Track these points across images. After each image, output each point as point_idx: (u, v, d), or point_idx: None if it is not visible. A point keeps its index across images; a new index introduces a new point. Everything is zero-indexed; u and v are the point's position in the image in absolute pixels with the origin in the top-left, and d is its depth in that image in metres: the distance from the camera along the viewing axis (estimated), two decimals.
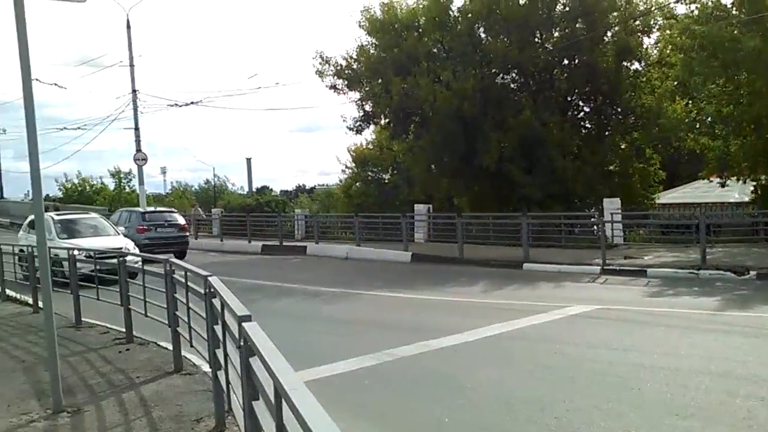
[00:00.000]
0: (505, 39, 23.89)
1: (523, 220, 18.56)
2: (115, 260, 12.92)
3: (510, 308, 11.65)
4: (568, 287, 14.32)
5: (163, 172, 73.22)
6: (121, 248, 16.70)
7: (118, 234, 19.69)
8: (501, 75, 25.25)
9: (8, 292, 14.93)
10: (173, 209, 28.87)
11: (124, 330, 9.82)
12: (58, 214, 20.26)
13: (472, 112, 23.01)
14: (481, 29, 24.92)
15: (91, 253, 13.23)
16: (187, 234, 26.03)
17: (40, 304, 12.26)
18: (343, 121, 28.65)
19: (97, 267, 12.12)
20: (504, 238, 20.11)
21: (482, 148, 23.29)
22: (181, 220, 25.79)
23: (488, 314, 11.14)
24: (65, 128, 50.31)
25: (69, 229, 18.86)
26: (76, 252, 12.70)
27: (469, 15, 24.55)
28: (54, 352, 6.56)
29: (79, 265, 11.85)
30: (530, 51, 23.59)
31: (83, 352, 9.17)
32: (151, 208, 28.43)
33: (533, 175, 23.04)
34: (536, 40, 24.40)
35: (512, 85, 25.81)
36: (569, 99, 25.46)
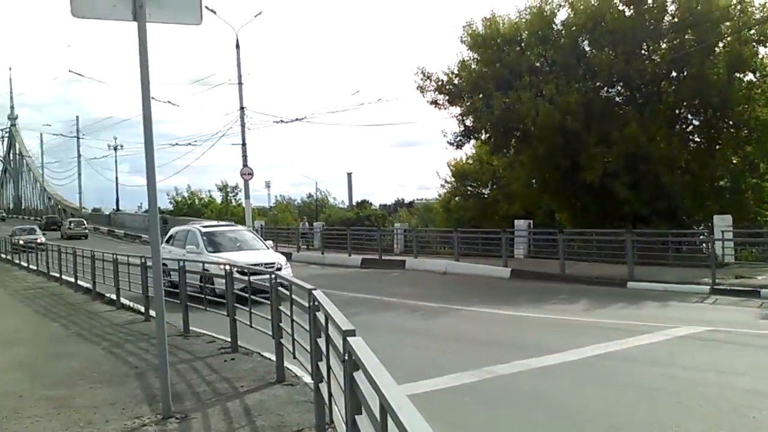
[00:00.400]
0: (611, 51, 23.39)
1: (627, 236, 18.02)
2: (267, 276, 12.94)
3: (613, 327, 11.34)
4: (675, 307, 13.81)
5: (268, 186, 75.53)
6: (273, 263, 15.97)
7: (268, 248, 18.42)
8: (606, 88, 24.73)
9: (122, 300, 15.64)
10: (233, 224, 29.68)
11: (229, 340, 10.12)
12: (204, 227, 18.89)
13: (576, 126, 22.61)
14: (586, 42, 24.49)
15: (245, 270, 12.37)
16: None
17: (152, 312, 12.85)
18: (444, 136, 28.71)
19: (251, 284, 12.31)
20: (607, 255, 19.57)
21: (585, 163, 22.83)
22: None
23: (590, 333, 10.89)
24: (177, 144, 52.79)
25: (216, 243, 17.60)
26: (227, 267, 12.61)
27: (573, 28, 24.19)
28: (165, 360, 6.83)
29: (222, 281, 11.18)
30: (637, 63, 22.98)
31: (191, 360, 9.52)
32: (214, 222, 29.65)
33: (638, 191, 22.37)
34: (643, 52, 23.75)
35: (617, 99, 25.23)
36: (677, 112, 24.62)
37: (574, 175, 23.46)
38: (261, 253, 17.34)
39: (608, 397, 7.34)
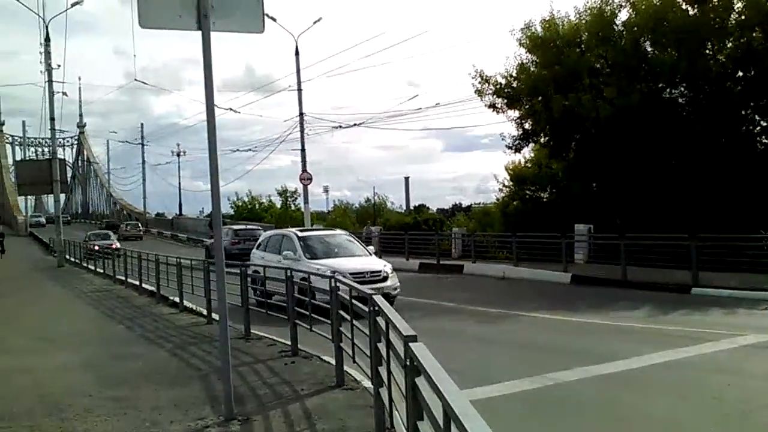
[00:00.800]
0: (673, 51, 22.83)
1: (691, 242, 17.58)
2: (377, 286, 12.62)
3: (677, 335, 11.09)
4: (742, 314, 13.40)
5: (326, 190, 75.96)
6: (379, 272, 14.98)
7: (370, 254, 16.75)
8: (668, 89, 24.14)
9: (185, 303, 15.97)
10: (259, 227, 36.84)
11: (289, 343, 10.24)
12: (301, 230, 17.76)
13: (637, 128, 22.17)
14: (647, 42, 23.97)
15: (350, 278, 11.78)
16: None
17: (214, 315, 13.09)
18: (502, 139, 28.49)
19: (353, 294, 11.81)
20: (671, 260, 19.10)
21: (648, 166, 22.36)
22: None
23: (653, 340, 10.68)
24: (238, 150, 53.62)
25: (315, 248, 16.17)
26: (327, 274, 12.05)
27: (635, 28, 23.73)
28: (227, 363, 6.95)
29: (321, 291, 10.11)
30: (701, 63, 22.37)
31: (252, 363, 9.67)
32: (242, 226, 37.54)
33: (703, 194, 21.78)
34: (707, 51, 23.10)
35: (680, 100, 24.58)
36: (744, 113, 23.86)
37: (635, 178, 23.00)
38: (364, 259, 15.98)
39: (672, 406, 7.18)
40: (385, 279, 14.79)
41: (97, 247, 32.73)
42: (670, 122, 22.55)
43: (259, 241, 18.69)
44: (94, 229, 53.54)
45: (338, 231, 19.40)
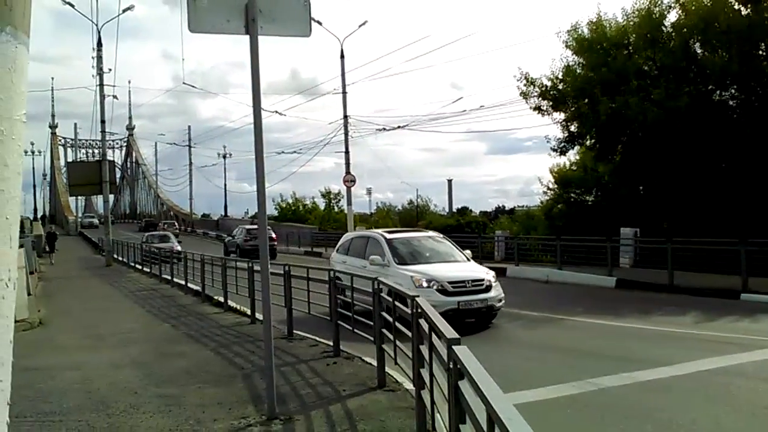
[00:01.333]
0: (724, 53, 22.40)
1: (741, 246, 17.18)
2: (480, 297, 12.36)
3: (725, 341, 10.83)
4: None
5: (369, 192, 76.24)
6: (482, 281, 12.90)
7: (468, 259, 14.59)
8: (718, 91, 23.69)
9: (230, 303, 16.15)
10: (269, 227, 38.88)
11: (331, 344, 10.28)
12: (388, 232, 15.81)
13: (686, 131, 21.77)
14: (697, 44, 23.56)
15: (449, 288, 12.20)
16: (275, 242, 37.18)
17: (258, 315, 13.21)
18: (547, 142, 28.29)
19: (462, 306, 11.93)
20: (719, 265, 18.69)
21: (696, 169, 21.94)
22: (273, 234, 36.46)
23: (701, 347, 10.45)
24: (283, 152, 54.08)
25: (405, 253, 14.21)
26: (424, 283, 12.13)
27: (684, 30, 23.33)
28: (271, 363, 7.00)
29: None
30: (753, 64, 21.89)
31: (294, 363, 9.73)
32: (255, 227, 38.87)
33: (753, 198, 21.29)
34: (760, 52, 22.61)
35: (731, 102, 24.09)
36: None
37: (683, 182, 22.60)
38: (463, 265, 13.95)
39: (719, 415, 7.03)
40: (488, 289, 12.85)
41: (155, 250, 29.90)
42: (720, 125, 22.11)
43: (340, 243, 16.86)
44: (135, 229, 54.45)
45: (429, 232, 17.15)
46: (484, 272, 13.35)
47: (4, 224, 1.59)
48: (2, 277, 1.60)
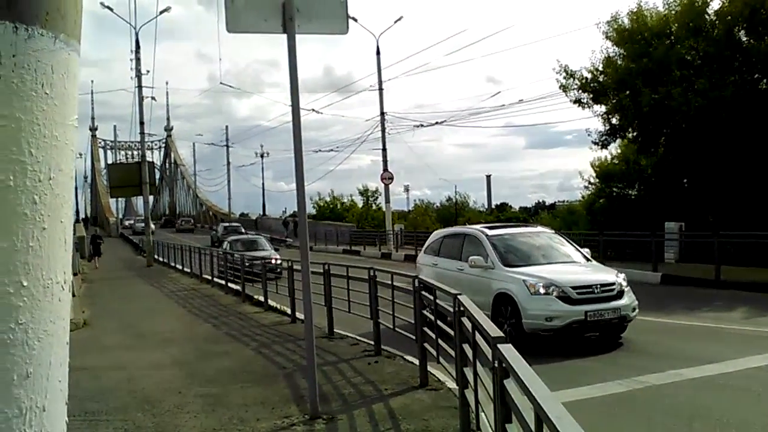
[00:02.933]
0: None
1: None
2: (612, 305, 10.38)
3: None
4: None
5: (406, 190, 76.11)
6: (612, 285, 10.76)
7: (589, 259, 12.45)
8: (765, 80, 23.10)
9: (270, 302, 16.23)
10: (239, 225, 56.11)
11: (372, 342, 10.26)
12: (490, 227, 13.28)
13: (732, 121, 21.30)
14: (742, 32, 23.03)
15: (573, 294, 10.29)
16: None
17: (298, 314, 13.24)
18: (588, 135, 27.92)
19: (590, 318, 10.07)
20: (767, 259, 18.24)
21: (742, 160, 21.46)
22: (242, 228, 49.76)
23: (750, 343, 10.22)
24: (320, 150, 54.36)
25: (512, 253, 11.85)
26: (541, 289, 10.31)
27: (728, 18, 22.79)
28: (312, 362, 7.01)
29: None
30: None
31: (336, 362, 9.72)
32: (229, 224, 56.28)
33: None
34: None
35: None
36: None
37: (729, 174, 22.13)
38: (586, 268, 11.83)
39: None
40: (620, 295, 10.71)
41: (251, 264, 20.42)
42: (766, 114, 21.58)
43: (428, 243, 14.60)
44: (172, 230, 58.14)
45: (539, 227, 14.78)
46: (614, 275, 11.11)
47: (59, 227, 1.62)
48: (58, 280, 1.63)
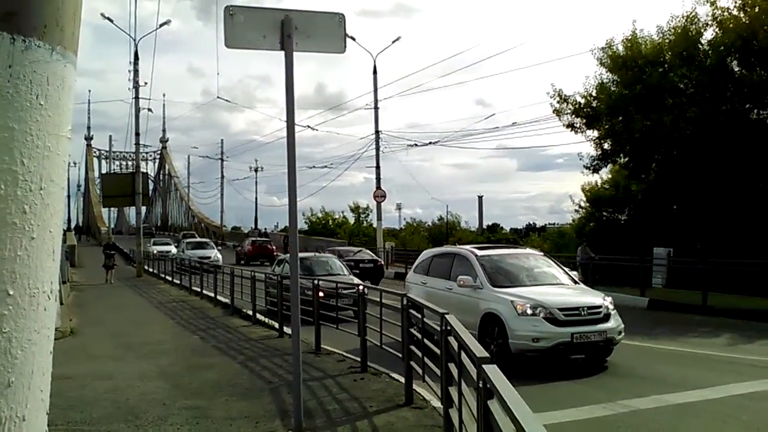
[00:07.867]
0: (762, 71, 22.09)
1: None
2: (598, 328, 10.43)
3: (761, 365, 10.60)
4: None
5: (398, 208, 76.20)
6: (599, 309, 10.79)
7: (577, 281, 12.62)
8: (756, 110, 23.32)
9: (258, 316, 16.22)
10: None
11: (359, 359, 10.25)
12: (480, 247, 13.29)
13: (722, 150, 21.48)
14: (734, 62, 23.27)
15: (560, 316, 10.33)
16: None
17: (286, 329, 13.23)
18: (580, 159, 28.10)
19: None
20: (754, 286, 18.32)
21: (732, 188, 21.62)
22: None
23: (735, 370, 10.26)
24: (314, 166, 54.42)
25: (501, 274, 11.85)
26: (528, 310, 10.35)
27: (721, 48, 23.02)
28: (298, 377, 6.99)
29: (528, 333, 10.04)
30: None
31: (322, 378, 9.72)
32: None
33: None
34: None
35: None
36: None
37: (719, 201, 22.27)
38: (574, 290, 11.90)
39: None
40: (606, 318, 10.76)
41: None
42: (757, 144, 21.76)
43: (417, 261, 14.52)
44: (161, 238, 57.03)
45: (528, 249, 15.17)
46: (600, 298, 11.19)
47: (48, 237, 1.64)
48: (44, 289, 1.65)
